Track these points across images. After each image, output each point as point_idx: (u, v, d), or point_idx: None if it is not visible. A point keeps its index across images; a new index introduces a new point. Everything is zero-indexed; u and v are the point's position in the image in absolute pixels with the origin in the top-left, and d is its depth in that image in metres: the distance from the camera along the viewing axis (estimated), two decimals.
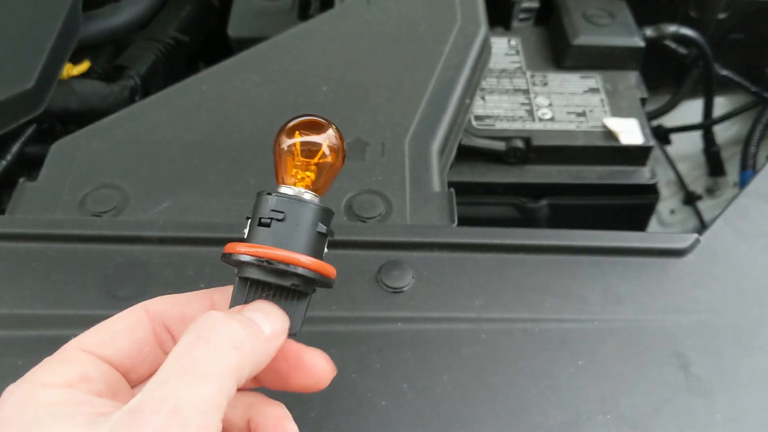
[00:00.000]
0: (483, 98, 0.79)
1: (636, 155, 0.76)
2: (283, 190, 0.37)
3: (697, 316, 0.49)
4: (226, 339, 0.31)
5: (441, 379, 0.45)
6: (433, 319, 0.48)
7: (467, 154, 0.75)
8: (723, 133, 1.07)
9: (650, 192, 0.77)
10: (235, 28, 0.81)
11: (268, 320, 0.34)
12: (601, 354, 0.47)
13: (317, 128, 0.38)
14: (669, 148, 1.09)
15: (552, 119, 0.77)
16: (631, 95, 0.80)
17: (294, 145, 0.37)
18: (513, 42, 0.86)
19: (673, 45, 0.91)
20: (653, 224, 1.08)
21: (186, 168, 0.54)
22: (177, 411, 0.28)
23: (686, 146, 1.08)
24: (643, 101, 0.80)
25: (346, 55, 0.64)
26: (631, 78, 0.82)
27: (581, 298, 0.49)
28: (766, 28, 0.97)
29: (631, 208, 0.78)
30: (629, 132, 0.75)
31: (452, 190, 0.55)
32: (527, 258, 0.51)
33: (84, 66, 0.81)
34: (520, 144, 0.75)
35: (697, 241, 0.52)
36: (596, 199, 0.77)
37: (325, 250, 0.37)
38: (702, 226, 1.02)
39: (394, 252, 0.50)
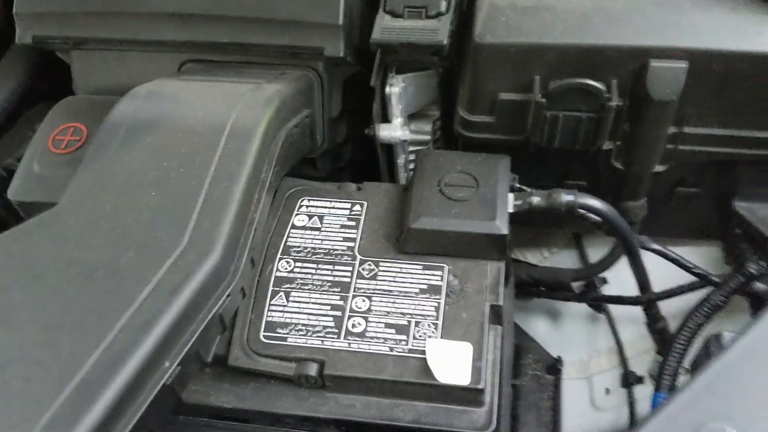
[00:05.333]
0: (288, 294, 0.62)
1: (463, 396, 0.57)
2: None
3: None
4: None
5: None
6: None
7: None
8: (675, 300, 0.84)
9: None
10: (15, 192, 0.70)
11: None
12: None
13: None
14: (614, 307, 0.87)
15: (362, 334, 0.59)
16: (479, 301, 0.61)
17: None
18: (357, 208, 0.68)
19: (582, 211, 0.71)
20: (585, 406, 0.88)
21: None
22: None
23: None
24: (496, 310, 0.61)
25: None
26: (489, 273, 0.62)
27: None
28: (726, 181, 0.74)
29: None
30: (451, 366, 0.56)
31: None
32: None
33: None
34: (312, 371, 0.58)
35: None
36: None
37: None
38: (632, 422, 0.81)
39: None
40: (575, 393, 0.86)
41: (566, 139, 0.69)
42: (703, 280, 0.73)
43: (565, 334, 0.91)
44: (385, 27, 0.72)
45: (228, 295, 0.53)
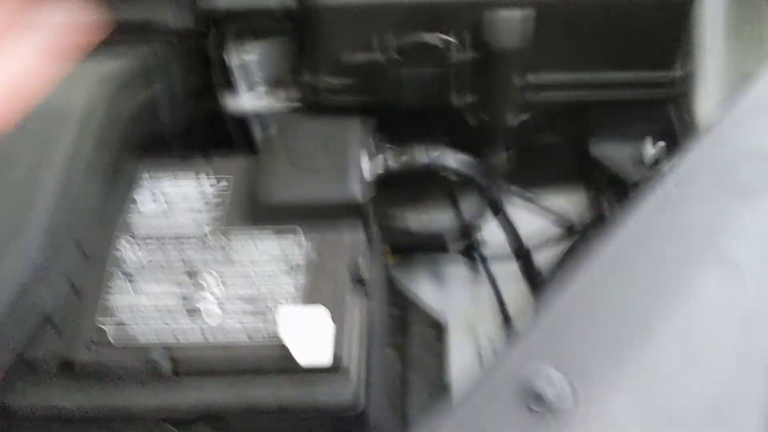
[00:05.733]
0: (133, 282, 0.58)
1: (326, 374, 0.55)
2: None
3: None
4: None
5: None
6: None
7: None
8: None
9: (351, 416, 0.56)
10: None
11: None
12: None
13: None
14: (496, 262, 0.88)
15: (215, 316, 0.56)
16: (338, 273, 0.59)
17: None
18: (207, 185, 0.64)
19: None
20: (471, 361, 0.88)
21: None
22: None
23: None
24: (358, 280, 0.59)
25: None
26: (348, 243, 0.60)
27: None
28: (581, 126, 0.75)
29: None
30: (311, 344, 0.54)
31: None
32: None
33: None
34: (161, 359, 0.55)
35: None
36: (278, 423, 0.57)
37: None
38: None
39: None
40: (461, 349, 0.87)
41: (416, 97, 0.68)
42: (569, 228, 0.74)
43: (450, 292, 0.91)
44: None
45: (53, 292, 0.49)
